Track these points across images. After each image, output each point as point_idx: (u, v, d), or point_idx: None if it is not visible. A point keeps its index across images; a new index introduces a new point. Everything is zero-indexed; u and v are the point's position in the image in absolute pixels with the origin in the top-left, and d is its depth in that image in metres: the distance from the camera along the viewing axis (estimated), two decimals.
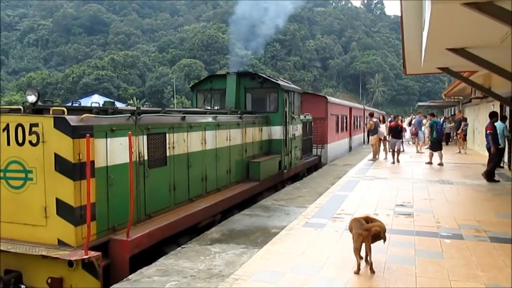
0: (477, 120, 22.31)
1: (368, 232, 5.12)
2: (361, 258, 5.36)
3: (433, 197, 10.10)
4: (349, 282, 4.98)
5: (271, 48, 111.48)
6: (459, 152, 20.95)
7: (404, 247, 6.27)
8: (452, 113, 28.25)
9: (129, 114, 6.34)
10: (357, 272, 5.16)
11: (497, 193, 10.56)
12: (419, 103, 53.08)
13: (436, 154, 16.32)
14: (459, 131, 22.15)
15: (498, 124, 12.60)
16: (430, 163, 16.45)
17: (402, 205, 9.22)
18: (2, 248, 5.16)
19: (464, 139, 22.22)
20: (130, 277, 5.26)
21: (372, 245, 5.25)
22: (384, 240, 5.43)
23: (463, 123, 22.43)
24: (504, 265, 5.49)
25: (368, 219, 5.53)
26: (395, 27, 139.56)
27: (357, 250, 5.19)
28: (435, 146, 16.40)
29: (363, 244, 5.22)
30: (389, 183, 12.14)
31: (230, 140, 9.70)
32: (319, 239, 6.74)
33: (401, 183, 12.08)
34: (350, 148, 25.75)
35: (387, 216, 8.02)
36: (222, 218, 8.39)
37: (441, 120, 25.98)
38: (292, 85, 13.53)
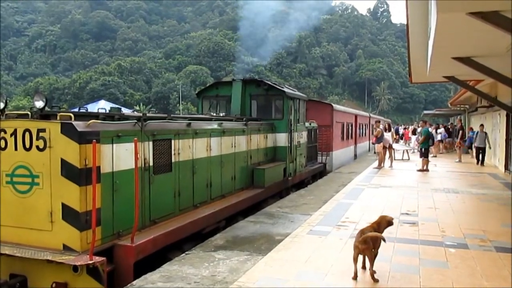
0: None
1: (366, 245, 5.12)
2: (364, 268, 5.41)
3: (438, 206, 10.06)
4: None
5: (277, 55, 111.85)
6: (459, 161, 20.98)
7: (409, 256, 6.24)
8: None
9: (135, 120, 6.38)
10: (354, 278, 5.21)
11: (503, 202, 10.49)
12: (425, 112, 52.97)
13: (421, 160, 17.36)
14: (458, 139, 22.25)
15: None
16: (426, 170, 16.91)
17: (407, 213, 9.18)
18: (7, 253, 5.20)
19: (470, 147, 22.16)
20: (134, 282, 5.28)
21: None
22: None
23: (461, 132, 22.51)
24: (509, 275, 5.45)
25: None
26: (401, 35, 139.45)
27: (354, 260, 5.24)
28: (426, 153, 17.25)
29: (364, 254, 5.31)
30: (394, 191, 12.10)
31: (235, 146, 9.72)
32: (323, 246, 6.73)
33: (406, 192, 12.03)
34: (356, 155, 25.70)
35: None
36: (226, 224, 8.39)
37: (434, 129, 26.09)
38: (297, 92, 13.55)
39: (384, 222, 5.60)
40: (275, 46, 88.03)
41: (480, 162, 19.14)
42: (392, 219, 5.73)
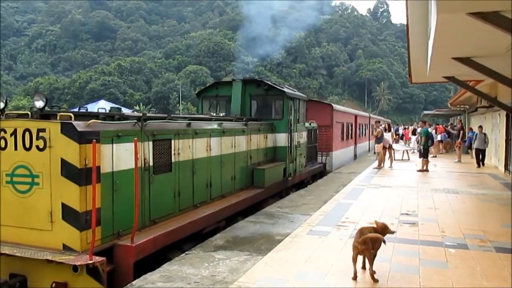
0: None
1: (365, 246, 5.11)
2: (364, 268, 5.42)
3: (438, 206, 10.06)
4: None
5: (277, 55, 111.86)
6: (459, 161, 21.00)
7: (409, 256, 6.24)
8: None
9: (135, 120, 6.39)
10: (354, 278, 5.21)
11: (503, 203, 10.49)
12: (425, 112, 52.98)
13: (421, 160, 17.42)
14: (458, 140, 22.27)
15: None
16: (426, 170, 16.90)
17: (407, 213, 9.19)
18: (7, 252, 5.20)
19: (470, 147, 22.16)
20: (134, 282, 5.27)
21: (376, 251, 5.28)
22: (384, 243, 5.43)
23: (461, 132, 22.51)
24: (509, 275, 5.46)
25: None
26: (401, 35, 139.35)
27: (353, 260, 5.25)
28: (426, 153, 17.19)
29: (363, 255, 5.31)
30: (394, 192, 12.11)
31: (235, 147, 9.72)
32: (323, 246, 6.73)
33: (406, 192, 12.03)
34: (355, 156, 25.69)
35: (391, 225, 7.97)
36: (226, 224, 8.39)
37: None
38: (297, 93, 13.56)
39: (382, 230, 5.56)
40: (276, 47, 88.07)
41: (481, 163, 18.86)
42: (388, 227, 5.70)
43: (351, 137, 24.47)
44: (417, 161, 20.85)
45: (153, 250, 6.08)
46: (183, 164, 7.55)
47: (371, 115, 36.80)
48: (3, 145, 5.55)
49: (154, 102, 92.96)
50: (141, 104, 77.59)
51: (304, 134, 14.02)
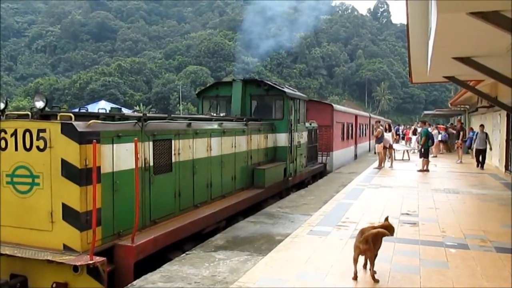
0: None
1: (367, 245, 5.10)
2: (365, 267, 5.42)
3: (438, 206, 10.05)
4: None
5: (277, 56, 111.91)
6: (460, 161, 20.99)
7: (409, 256, 6.24)
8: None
9: (136, 121, 6.38)
10: (355, 278, 5.21)
11: (503, 202, 10.49)
12: (425, 112, 52.97)
13: (421, 160, 17.41)
14: (459, 141, 22.27)
15: None
16: (426, 170, 16.92)
17: (407, 213, 9.18)
18: (8, 253, 5.20)
19: (470, 147, 22.15)
20: (134, 283, 5.27)
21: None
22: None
23: (461, 133, 22.50)
24: (509, 275, 5.45)
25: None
26: (401, 35, 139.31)
27: (354, 260, 5.24)
28: (426, 153, 17.18)
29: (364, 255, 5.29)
30: (394, 192, 12.10)
31: (235, 147, 9.72)
32: (324, 247, 6.73)
33: (406, 192, 12.03)
34: (356, 156, 25.69)
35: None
36: (226, 225, 8.39)
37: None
38: (297, 93, 13.56)
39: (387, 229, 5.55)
40: (276, 47, 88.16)
41: (480, 165, 18.54)
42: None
43: (352, 137, 24.48)
44: (417, 161, 20.83)
45: (153, 250, 6.08)
46: (184, 164, 7.55)
47: (372, 115, 36.79)
48: (3, 146, 5.55)
49: (154, 103, 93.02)
50: (141, 105, 77.63)
51: (305, 134, 14.02)
